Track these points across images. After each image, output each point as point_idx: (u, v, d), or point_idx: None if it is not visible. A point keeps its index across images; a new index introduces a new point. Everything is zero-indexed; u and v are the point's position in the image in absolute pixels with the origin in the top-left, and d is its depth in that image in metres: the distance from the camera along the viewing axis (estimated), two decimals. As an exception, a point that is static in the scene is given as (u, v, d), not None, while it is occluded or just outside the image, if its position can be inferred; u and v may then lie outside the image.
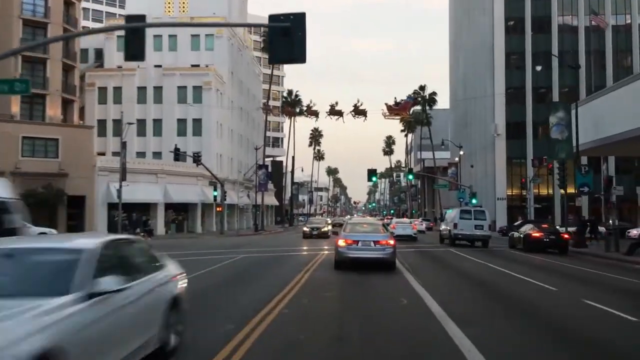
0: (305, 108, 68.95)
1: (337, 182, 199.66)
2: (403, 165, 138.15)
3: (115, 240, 6.30)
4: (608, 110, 26.47)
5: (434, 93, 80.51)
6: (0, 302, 4.49)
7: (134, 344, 5.64)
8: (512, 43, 62.85)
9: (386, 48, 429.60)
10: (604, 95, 27.80)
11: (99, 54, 64.23)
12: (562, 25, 62.66)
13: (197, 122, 59.71)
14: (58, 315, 4.47)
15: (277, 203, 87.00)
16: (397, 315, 9.86)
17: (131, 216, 42.55)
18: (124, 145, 42.82)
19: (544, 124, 62.35)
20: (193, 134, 59.39)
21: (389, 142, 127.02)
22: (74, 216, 44.35)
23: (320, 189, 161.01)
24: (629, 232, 40.70)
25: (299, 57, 13.87)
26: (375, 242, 17.05)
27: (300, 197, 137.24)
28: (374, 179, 60.29)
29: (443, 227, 35.24)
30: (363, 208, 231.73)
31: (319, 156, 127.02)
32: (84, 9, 67.83)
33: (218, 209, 53.64)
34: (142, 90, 59.97)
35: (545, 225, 30.03)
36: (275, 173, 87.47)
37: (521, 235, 28.59)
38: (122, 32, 64.07)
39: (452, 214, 32.76)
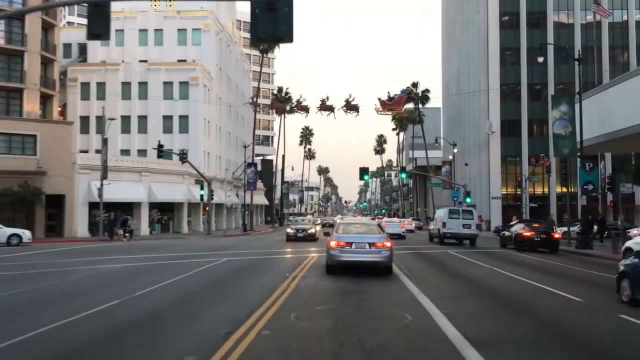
0: (295, 104, 67.01)
1: (328, 182, 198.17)
2: (394, 164, 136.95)
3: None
4: (616, 103, 24.99)
5: (427, 90, 79.06)
6: None
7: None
8: (507, 38, 61.59)
9: (379, 46, 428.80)
10: (611, 87, 26.28)
11: (83, 49, 62.13)
12: (557, 22, 61.55)
13: (184, 119, 57.82)
14: None
15: (267, 202, 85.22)
16: (403, 339, 8.10)
17: (109, 216, 40.35)
18: (105, 141, 41.00)
19: (539, 121, 61.73)
20: (179, 131, 57.49)
21: (381, 141, 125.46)
22: (53, 216, 42.52)
23: (311, 189, 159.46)
24: (629, 232, 39.45)
25: (285, 34, 12.22)
26: (371, 244, 15.50)
27: (291, 197, 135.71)
28: (366, 177, 58.64)
29: (432, 226, 36.87)
30: (354, 208, 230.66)
31: (309, 155, 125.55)
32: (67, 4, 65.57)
33: (206, 208, 51.93)
34: (126, 85, 57.95)
35: (537, 225, 29.95)
36: (265, 172, 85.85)
37: (512, 235, 28.94)
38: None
39: (441, 213, 34.03)
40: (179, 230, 51.63)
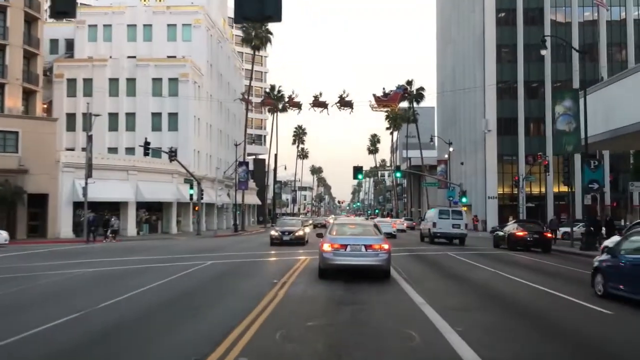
0: (287, 100, 65.50)
1: (321, 182, 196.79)
2: (388, 164, 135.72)
3: None
4: (622, 98, 23.80)
5: (422, 88, 77.95)
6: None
7: None
8: (503, 35, 60.53)
9: (375, 46, 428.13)
10: (616, 82, 25.09)
11: (70, 44, 60.54)
12: (555, 20, 60.56)
13: (173, 116, 56.34)
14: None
15: (259, 202, 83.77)
16: None
17: (89, 216, 38.25)
18: (90, 138, 39.43)
19: (536, 119, 60.70)
20: (169, 129, 56.01)
21: (374, 140, 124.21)
22: (36, 216, 41.00)
23: (304, 188, 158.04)
24: (630, 233, 38.32)
25: (273, 12, 10.77)
26: (367, 247, 14.22)
27: (284, 197, 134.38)
28: (359, 176, 57.28)
29: (423, 226, 37.85)
30: (347, 208, 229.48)
31: (302, 155, 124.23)
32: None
33: (195, 208, 50.48)
34: (114, 82, 56.36)
35: (531, 224, 29.85)
36: (257, 171, 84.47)
37: (505, 234, 28.96)
38: (94, 22, 59.89)
39: (431, 213, 34.78)
40: (168, 231, 50.14)
